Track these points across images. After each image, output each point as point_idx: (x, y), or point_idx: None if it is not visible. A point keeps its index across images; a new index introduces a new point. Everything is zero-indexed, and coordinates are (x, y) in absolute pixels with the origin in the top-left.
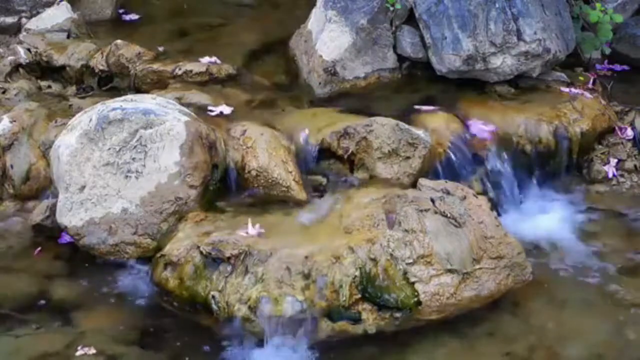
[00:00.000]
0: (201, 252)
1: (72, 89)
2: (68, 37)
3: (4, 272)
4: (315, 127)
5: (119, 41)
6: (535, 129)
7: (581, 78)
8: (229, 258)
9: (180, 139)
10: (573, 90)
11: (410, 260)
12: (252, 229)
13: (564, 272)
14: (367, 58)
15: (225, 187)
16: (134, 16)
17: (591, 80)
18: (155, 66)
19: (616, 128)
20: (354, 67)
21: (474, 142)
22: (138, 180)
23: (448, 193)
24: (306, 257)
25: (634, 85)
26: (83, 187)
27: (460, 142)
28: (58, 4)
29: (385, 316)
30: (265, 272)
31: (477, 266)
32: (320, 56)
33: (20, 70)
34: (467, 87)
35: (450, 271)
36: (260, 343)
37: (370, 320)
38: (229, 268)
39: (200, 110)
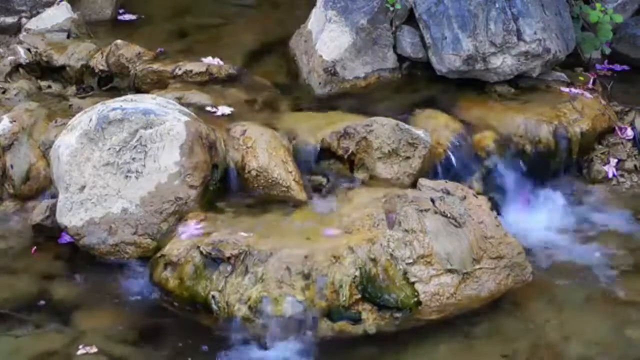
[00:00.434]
0: (201, 252)
1: (72, 89)
2: (68, 37)
3: (4, 272)
4: (315, 127)
5: (119, 41)
6: (535, 129)
7: (581, 78)
8: (229, 258)
9: (180, 139)
10: (573, 90)
11: (410, 260)
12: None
13: (564, 272)
14: (367, 58)
15: (225, 187)
16: (134, 16)
17: (591, 80)
18: (155, 66)
19: (616, 128)
20: (354, 67)
21: (474, 141)
22: (138, 180)
23: (448, 193)
24: (306, 257)
25: (634, 85)
26: (83, 187)
27: (460, 142)
28: (58, 4)
29: (385, 316)
30: (265, 272)
31: (477, 266)
32: (320, 56)
33: (20, 70)
34: (467, 87)
35: (450, 271)
36: (260, 343)
37: (370, 320)
38: (229, 268)
39: (200, 110)
